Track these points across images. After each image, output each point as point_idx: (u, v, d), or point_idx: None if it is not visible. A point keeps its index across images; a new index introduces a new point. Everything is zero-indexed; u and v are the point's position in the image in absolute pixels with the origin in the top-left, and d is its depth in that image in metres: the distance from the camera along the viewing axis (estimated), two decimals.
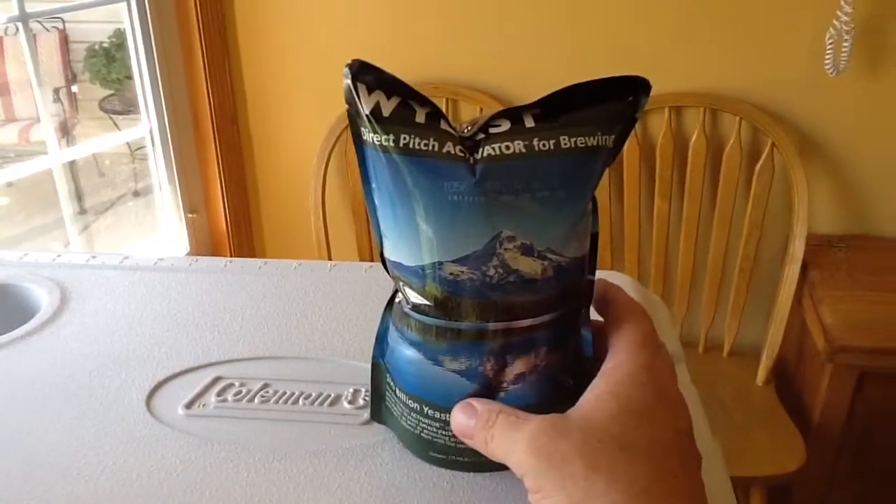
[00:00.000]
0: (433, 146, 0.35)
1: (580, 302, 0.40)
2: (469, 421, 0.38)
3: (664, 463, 0.33)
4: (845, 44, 1.39)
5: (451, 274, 0.37)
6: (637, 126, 1.51)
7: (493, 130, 0.36)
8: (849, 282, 1.43)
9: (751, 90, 1.51)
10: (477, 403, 0.38)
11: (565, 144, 0.36)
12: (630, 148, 1.52)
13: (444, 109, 1.58)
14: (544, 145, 0.35)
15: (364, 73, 0.35)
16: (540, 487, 0.34)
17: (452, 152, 0.35)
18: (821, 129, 1.53)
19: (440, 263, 0.37)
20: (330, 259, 1.62)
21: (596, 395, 0.36)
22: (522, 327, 0.38)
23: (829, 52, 1.41)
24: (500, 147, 0.35)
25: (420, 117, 0.35)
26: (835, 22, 1.39)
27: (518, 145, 0.35)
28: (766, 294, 1.63)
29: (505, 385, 0.39)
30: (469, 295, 0.37)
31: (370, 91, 0.35)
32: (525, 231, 0.36)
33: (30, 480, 0.41)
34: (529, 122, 0.36)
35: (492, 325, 0.38)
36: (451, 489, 0.41)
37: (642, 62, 1.51)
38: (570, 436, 0.34)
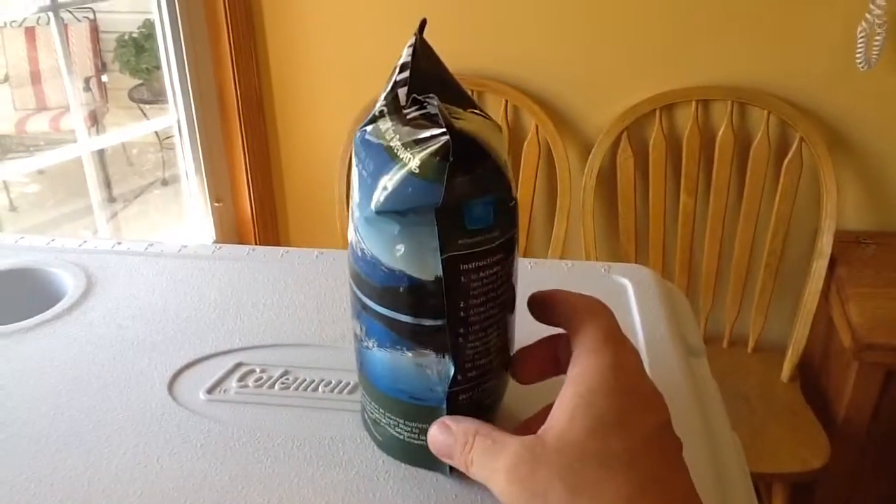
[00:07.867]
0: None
1: None
2: (448, 440, 0.38)
3: (646, 468, 0.33)
4: (877, 37, 1.37)
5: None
6: (663, 120, 1.50)
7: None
8: (877, 279, 1.41)
9: (780, 83, 1.49)
10: (452, 423, 0.38)
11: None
12: (656, 142, 1.51)
13: None
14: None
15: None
16: None
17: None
18: (851, 124, 1.51)
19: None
20: None
21: (568, 409, 0.35)
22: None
23: (860, 45, 1.39)
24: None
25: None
26: (867, 15, 1.36)
27: None
28: (792, 290, 1.61)
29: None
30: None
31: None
32: None
33: (53, 461, 0.42)
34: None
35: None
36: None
37: (669, 54, 1.50)
38: (548, 461, 0.33)
